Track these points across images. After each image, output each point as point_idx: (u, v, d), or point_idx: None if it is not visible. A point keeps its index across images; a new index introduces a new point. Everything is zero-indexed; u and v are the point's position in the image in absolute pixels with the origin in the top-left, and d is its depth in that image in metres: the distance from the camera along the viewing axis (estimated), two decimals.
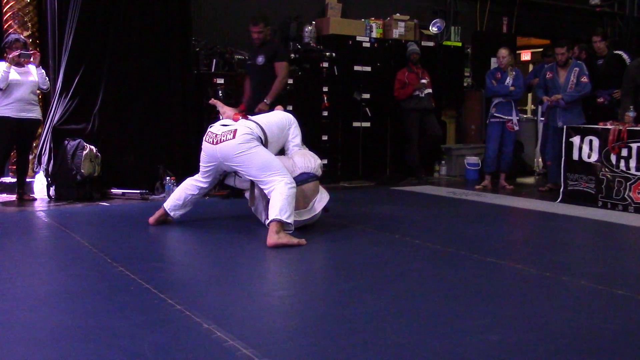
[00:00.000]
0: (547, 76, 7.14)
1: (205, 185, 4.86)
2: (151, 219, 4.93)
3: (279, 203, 4.24)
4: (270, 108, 5.72)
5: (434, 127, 8.09)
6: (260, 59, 6.23)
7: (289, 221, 4.25)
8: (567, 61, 6.98)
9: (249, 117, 4.78)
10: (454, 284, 3.45)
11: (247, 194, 4.91)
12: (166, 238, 4.68)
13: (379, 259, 4.05)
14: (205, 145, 4.64)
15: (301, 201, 4.61)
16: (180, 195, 4.90)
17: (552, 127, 7.13)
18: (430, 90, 7.93)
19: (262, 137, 4.59)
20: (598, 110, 7.27)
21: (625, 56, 7.40)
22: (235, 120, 4.65)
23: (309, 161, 4.79)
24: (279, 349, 2.46)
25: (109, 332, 2.61)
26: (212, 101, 5.38)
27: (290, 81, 7.42)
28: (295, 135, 4.97)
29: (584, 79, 6.85)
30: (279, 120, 4.93)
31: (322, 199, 4.79)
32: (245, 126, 4.54)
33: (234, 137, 4.46)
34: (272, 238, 4.16)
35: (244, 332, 2.60)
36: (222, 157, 4.54)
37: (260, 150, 4.50)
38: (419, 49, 8.00)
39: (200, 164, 4.78)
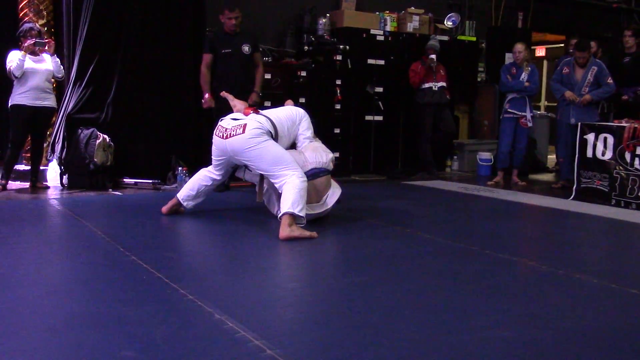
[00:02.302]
0: (563, 71, 7.08)
1: (218, 177, 4.87)
2: (164, 209, 4.95)
3: (292, 196, 4.23)
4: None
5: (447, 122, 8.05)
6: (247, 48, 6.25)
7: (301, 214, 4.25)
8: (587, 60, 6.93)
9: (260, 111, 4.77)
10: (466, 280, 3.44)
11: (258, 187, 4.91)
12: (178, 228, 4.69)
13: (390, 253, 4.04)
14: (215, 139, 4.65)
15: (313, 196, 4.60)
16: (193, 185, 4.92)
17: (564, 123, 7.08)
18: (444, 84, 7.89)
19: (272, 131, 4.58)
20: (623, 108, 7.21)
21: None
22: (246, 114, 4.65)
23: (321, 155, 4.78)
24: (290, 341, 2.47)
25: (121, 320, 2.63)
26: (223, 94, 5.37)
27: (304, 74, 7.43)
28: (305, 128, 4.94)
29: (610, 80, 6.81)
30: (289, 114, 4.91)
31: (334, 193, 4.78)
32: (256, 120, 4.54)
33: (243, 131, 4.45)
34: (285, 231, 4.16)
35: (255, 323, 2.61)
36: (232, 151, 4.55)
37: (271, 144, 4.50)
38: (437, 51, 7.84)
39: (212, 157, 4.79)
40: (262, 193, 4.85)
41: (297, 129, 4.91)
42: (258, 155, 4.46)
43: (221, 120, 4.71)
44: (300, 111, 5.01)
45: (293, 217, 4.22)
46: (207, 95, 6.10)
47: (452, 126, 8.18)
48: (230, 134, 4.51)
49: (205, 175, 4.89)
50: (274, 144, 4.53)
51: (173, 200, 4.96)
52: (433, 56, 7.75)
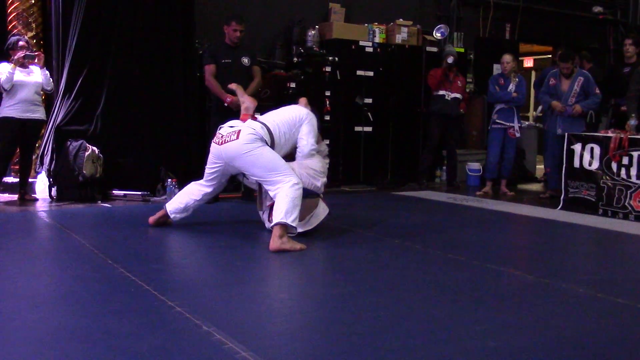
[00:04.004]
0: (550, 83, 7.15)
1: (209, 190, 4.83)
2: (151, 219, 4.94)
3: (284, 205, 4.20)
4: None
5: (451, 139, 8.11)
6: (247, 60, 6.33)
7: (293, 224, 4.22)
8: (572, 71, 7.00)
9: (258, 117, 4.74)
10: (454, 290, 3.46)
11: (258, 197, 4.86)
12: (167, 240, 4.68)
13: (379, 263, 4.06)
14: (212, 146, 4.65)
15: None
16: (183, 199, 4.89)
17: (551, 134, 7.14)
18: (458, 95, 7.91)
19: (268, 139, 4.53)
20: (621, 118, 7.28)
21: None
22: (243, 120, 4.64)
23: (315, 180, 4.65)
24: (278, 352, 2.47)
25: (109, 333, 2.62)
26: (232, 86, 5.26)
27: (293, 85, 7.46)
28: (306, 132, 4.74)
29: (597, 91, 6.89)
30: (288, 118, 4.77)
31: (319, 214, 4.69)
32: (250, 127, 4.51)
33: (237, 137, 4.44)
34: (275, 243, 4.13)
35: (243, 334, 2.61)
36: (227, 157, 4.53)
37: (266, 150, 4.46)
38: (454, 56, 7.87)
39: (207, 165, 4.77)
40: (262, 203, 4.79)
41: (298, 132, 4.75)
42: (252, 161, 4.44)
43: (220, 128, 4.70)
44: (303, 114, 4.83)
45: (284, 227, 4.20)
46: (228, 99, 6.00)
47: (453, 142, 8.23)
48: (225, 140, 4.50)
49: (196, 189, 4.86)
50: (268, 151, 4.48)
51: (161, 212, 4.94)
52: (450, 58, 7.78)
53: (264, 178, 4.43)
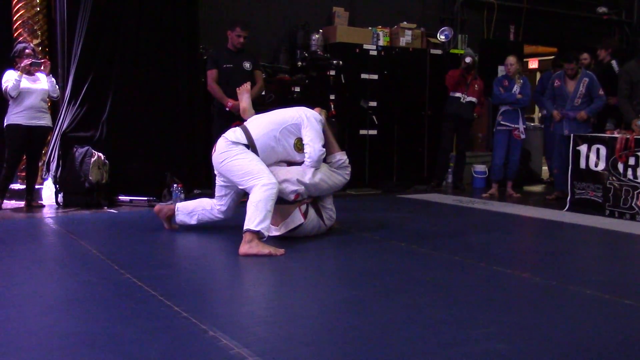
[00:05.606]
0: (555, 84, 7.14)
1: (218, 207, 4.85)
2: (157, 207, 5.05)
3: (248, 212, 4.23)
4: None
5: (461, 142, 8.14)
6: (248, 65, 6.39)
7: (256, 229, 4.16)
8: (577, 72, 6.99)
9: (242, 122, 4.74)
10: (460, 292, 3.45)
11: None
12: (173, 245, 4.70)
13: (385, 266, 4.05)
14: None
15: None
16: (193, 203, 4.98)
17: (558, 135, 7.12)
18: (473, 99, 7.89)
19: (245, 142, 4.49)
20: (601, 118, 7.36)
21: (614, 64, 7.50)
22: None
23: (285, 187, 4.46)
24: (284, 357, 2.47)
25: (115, 338, 2.63)
26: (242, 89, 5.15)
27: (297, 89, 7.47)
28: (310, 138, 4.55)
29: (601, 92, 6.88)
30: (279, 118, 4.63)
31: (290, 222, 4.55)
32: (224, 136, 4.58)
33: (214, 150, 4.58)
34: (243, 247, 4.16)
35: (249, 339, 2.61)
36: (217, 170, 4.66)
37: (238, 157, 4.44)
38: (472, 57, 7.88)
39: None
40: None
41: (294, 134, 4.61)
42: (229, 170, 4.51)
43: None
44: (298, 115, 4.63)
45: (253, 233, 4.19)
46: (230, 103, 6.07)
47: (463, 145, 8.24)
48: (212, 155, 4.63)
49: (208, 201, 4.92)
50: (241, 157, 4.44)
51: (171, 206, 5.03)
52: (468, 58, 7.78)
53: (242, 185, 4.46)
